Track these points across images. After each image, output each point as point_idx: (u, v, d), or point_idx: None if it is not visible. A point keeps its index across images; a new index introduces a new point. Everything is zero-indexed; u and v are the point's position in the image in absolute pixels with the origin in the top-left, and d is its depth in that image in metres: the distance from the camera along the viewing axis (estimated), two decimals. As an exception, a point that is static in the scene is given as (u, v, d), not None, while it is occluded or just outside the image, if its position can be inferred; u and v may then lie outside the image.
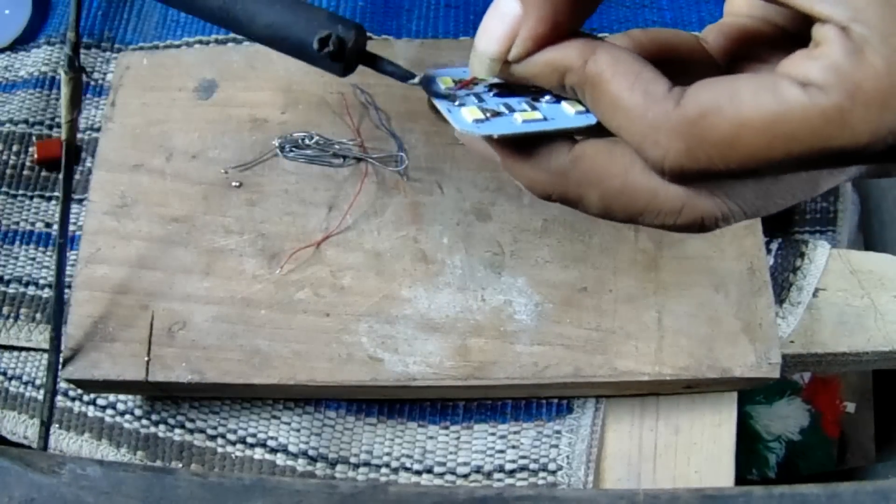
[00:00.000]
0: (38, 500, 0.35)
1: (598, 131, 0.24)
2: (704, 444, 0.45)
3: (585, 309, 0.43)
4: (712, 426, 0.45)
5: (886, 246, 0.63)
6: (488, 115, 0.25)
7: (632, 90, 0.22)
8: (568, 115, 0.25)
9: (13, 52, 0.56)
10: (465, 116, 0.25)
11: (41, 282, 0.49)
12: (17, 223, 0.51)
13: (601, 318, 0.43)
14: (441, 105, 0.26)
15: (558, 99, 0.25)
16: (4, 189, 0.52)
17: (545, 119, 0.24)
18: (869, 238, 0.66)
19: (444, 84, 0.28)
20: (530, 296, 0.43)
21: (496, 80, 0.26)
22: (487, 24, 0.24)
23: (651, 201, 0.24)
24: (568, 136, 0.25)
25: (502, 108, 0.25)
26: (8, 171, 0.52)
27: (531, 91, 0.26)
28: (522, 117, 0.25)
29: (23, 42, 0.57)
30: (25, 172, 0.52)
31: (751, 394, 0.80)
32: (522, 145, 0.25)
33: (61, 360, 0.42)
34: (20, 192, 0.52)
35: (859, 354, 0.46)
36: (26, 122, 0.53)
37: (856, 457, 0.90)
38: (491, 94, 0.26)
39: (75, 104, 0.38)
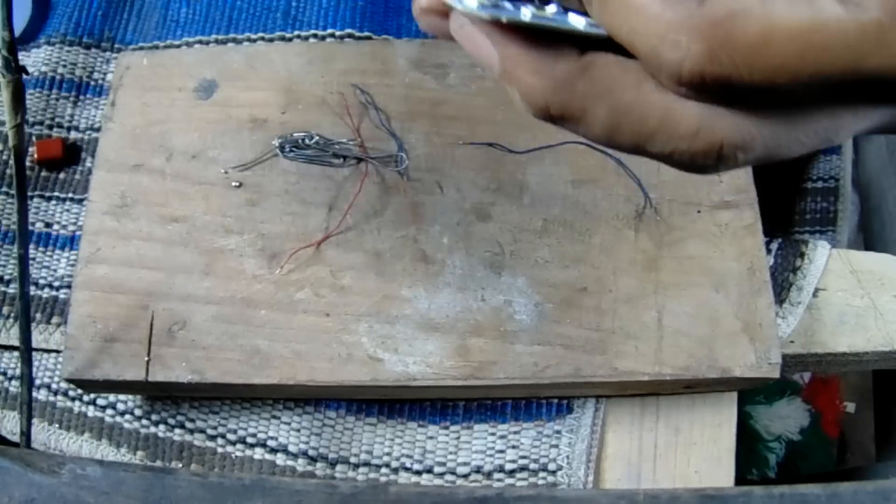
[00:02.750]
0: (38, 500, 0.35)
1: (607, 47, 0.22)
2: (704, 444, 0.45)
3: (585, 309, 0.43)
4: (712, 426, 0.45)
5: (886, 246, 0.63)
6: (492, 3, 0.23)
7: None
8: (576, 24, 0.23)
9: (13, 52, 0.56)
10: (470, 1, 0.23)
11: (41, 282, 0.49)
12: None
13: (601, 318, 0.43)
14: None
15: (565, 10, 0.23)
16: (4, 189, 0.52)
17: (554, 19, 0.22)
18: (869, 238, 0.66)
19: None
20: (530, 296, 0.43)
21: None
22: None
23: (664, 119, 0.21)
24: (577, 43, 0.23)
25: (507, 5, 0.23)
26: (8, 171, 0.52)
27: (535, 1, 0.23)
28: (531, 12, 0.22)
29: (23, 42, 0.57)
30: (25, 173, 0.52)
31: (751, 394, 0.80)
32: (526, 45, 0.23)
33: (61, 359, 0.42)
34: (20, 192, 0.52)
35: (859, 354, 0.46)
36: (26, 122, 0.53)
37: (856, 457, 0.90)
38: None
39: (18, 108, 0.36)
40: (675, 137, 0.21)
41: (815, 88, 0.20)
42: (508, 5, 0.23)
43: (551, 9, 0.23)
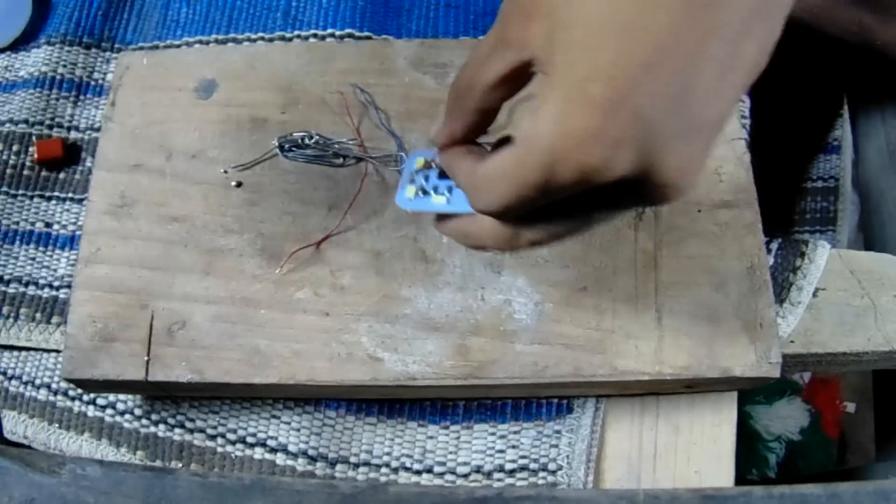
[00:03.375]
0: (38, 500, 0.35)
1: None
2: (704, 444, 0.45)
3: (585, 308, 0.43)
4: (712, 426, 0.45)
5: (886, 246, 0.62)
6: (420, 194, 0.35)
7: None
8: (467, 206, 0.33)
9: (13, 52, 0.56)
10: (408, 193, 0.35)
11: (41, 281, 0.49)
12: (17, 223, 0.51)
13: (601, 317, 0.43)
14: (400, 181, 0.36)
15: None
16: (4, 189, 0.52)
17: (448, 203, 0.34)
18: (869, 238, 0.66)
19: (417, 164, 0.36)
20: (530, 295, 0.43)
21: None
22: (437, 122, 0.32)
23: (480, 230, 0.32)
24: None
25: (432, 189, 0.34)
26: (8, 171, 0.52)
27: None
28: (436, 200, 0.34)
29: (23, 42, 0.57)
30: (25, 172, 0.52)
31: (751, 394, 0.80)
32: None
33: (61, 359, 0.42)
34: (20, 191, 0.52)
35: (859, 354, 0.46)
36: (26, 122, 0.53)
37: (856, 457, 0.90)
38: (436, 173, 0.35)
39: None
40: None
41: (531, 198, 0.27)
42: (432, 191, 0.34)
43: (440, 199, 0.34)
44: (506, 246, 0.32)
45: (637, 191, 0.26)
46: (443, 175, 0.35)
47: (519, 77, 0.27)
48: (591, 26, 0.23)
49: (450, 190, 0.34)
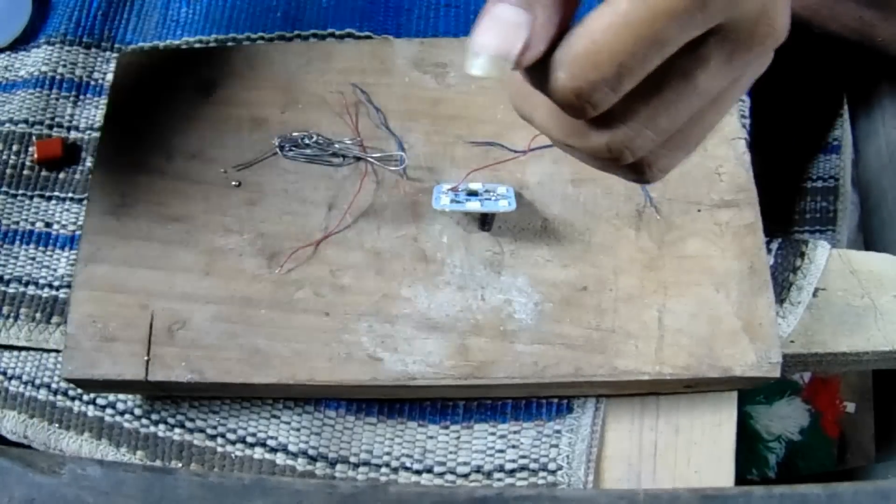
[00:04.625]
0: (38, 500, 0.35)
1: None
2: (704, 444, 0.45)
3: (585, 308, 0.43)
4: (712, 426, 0.45)
5: (886, 246, 0.62)
6: (454, 203, 0.42)
7: None
8: (498, 206, 0.42)
9: (13, 52, 0.56)
10: (442, 201, 0.43)
11: (41, 281, 0.49)
12: (17, 223, 0.51)
13: (601, 317, 0.43)
14: (434, 191, 0.44)
15: (497, 199, 0.43)
16: (4, 189, 0.52)
17: (482, 206, 0.42)
18: (869, 238, 0.66)
19: (443, 189, 0.44)
20: (530, 295, 0.43)
21: (472, 187, 0.44)
22: (493, 26, 0.24)
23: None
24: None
25: (463, 200, 0.43)
26: (8, 171, 0.52)
27: (485, 195, 0.43)
28: (470, 206, 0.42)
29: (23, 42, 0.57)
30: (25, 172, 0.52)
31: (751, 394, 0.80)
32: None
33: (61, 359, 0.42)
34: (20, 191, 0.52)
35: (859, 354, 0.46)
36: (26, 122, 0.53)
37: (856, 457, 0.90)
38: (465, 194, 0.43)
39: None
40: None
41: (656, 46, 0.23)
42: (464, 201, 0.42)
43: (487, 197, 0.43)
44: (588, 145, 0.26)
45: (746, 34, 0.24)
46: (471, 193, 0.43)
47: None
48: None
49: (481, 201, 0.42)
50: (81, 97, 0.55)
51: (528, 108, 0.27)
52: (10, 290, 0.49)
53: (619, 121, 0.25)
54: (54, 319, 0.48)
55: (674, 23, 0.23)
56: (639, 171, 0.27)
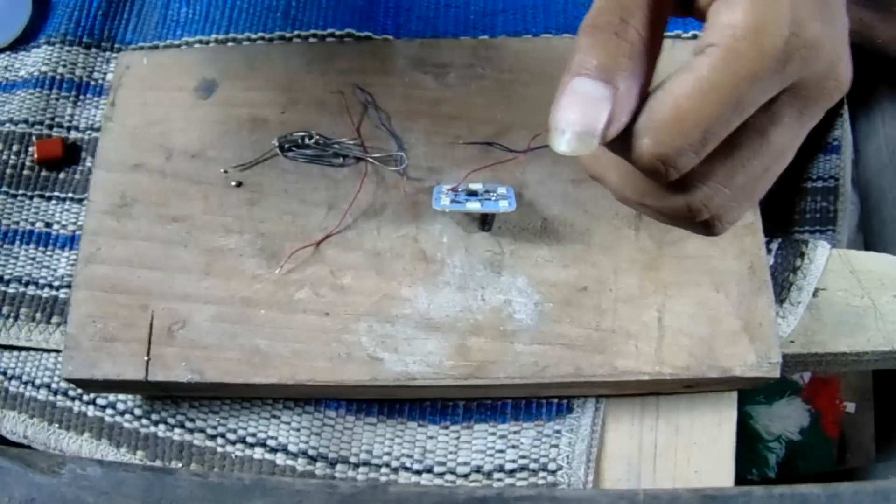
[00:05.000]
0: (38, 500, 0.35)
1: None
2: (704, 444, 0.45)
3: (585, 308, 0.43)
4: (712, 426, 0.45)
5: (886, 246, 0.62)
6: (453, 203, 0.42)
7: None
8: (499, 206, 0.42)
9: (13, 52, 0.56)
10: (443, 201, 0.42)
11: (41, 281, 0.49)
12: (17, 223, 0.51)
13: (601, 317, 0.43)
14: (434, 192, 0.43)
15: (497, 199, 0.42)
16: (4, 189, 0.52)
17: (482, 206, 0.42)
18: (869, 238, 0.66)
19: (443, 189, 0.43)
20: (530, 295, 0.43)
21: (472, 187, 0.44)
22: (571, 106, 0.24)
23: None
24: None
25: (464, 201, 0.42)
26: (8, 171, 0.52)
27: (485, 195, 0.43)
28: (470, 206, 0.42)
29: (23, 42, 0.57)
30: (25, 172, 0.52)
31: (751, 394, 0.80)
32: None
33: (61, 359, 0.42)
34: (20, 191, 0.52)
35: (859, 354, 0.46)
36: (26, 122, 0.53)
37: (856, 457, 0.90)
38: (465, 194, 0.43)
39: None
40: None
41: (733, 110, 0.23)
42: (463, 201, 0.42)
43: (487, 197, 0.43)
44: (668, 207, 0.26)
45: (815, 89, 0.24)
46: (471, 193, 0.43)
47: None
48: None
49: (481, 201, 0.42)
50: (81, 97, 0.55)
51: (600, 168, 0.27)
52: (10, 291, 0.49)
53: (699, 181, 0.25)
54: (54, 319, 0.48)
55: (755, 86, 0.23)
56: (709, 226, 0.27)
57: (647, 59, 0.24)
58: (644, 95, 0.24)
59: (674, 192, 0.26)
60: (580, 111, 0.23)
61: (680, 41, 0.50)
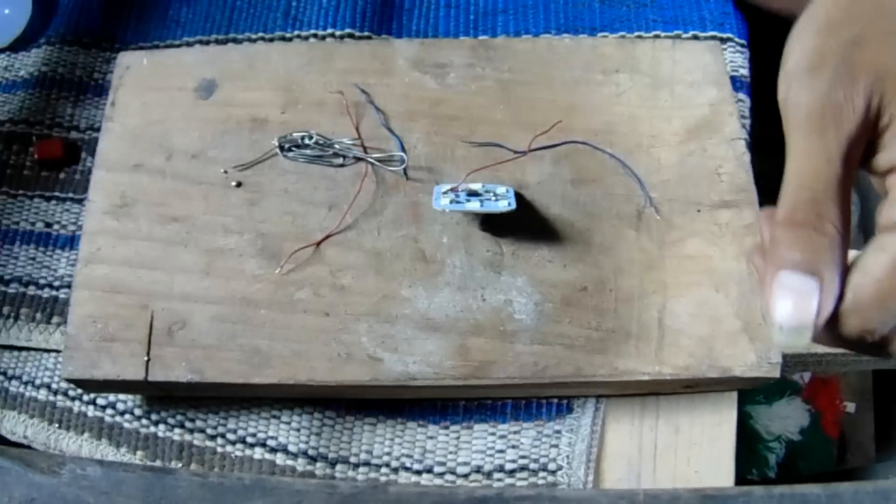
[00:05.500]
0: (38, 500, 0.35)
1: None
2: (704, 444, 0.45)
3: (585, 308, 0.43)
4: (712, 426, 0.45)
5: (886, 246, 0.62)
6: (453, 203, 0.42)
7: None
8: (499, 206, 0.41)
9: (13, 52, 0.56)
10: (442, 202, 0.42)
11: (41, 281, 0.49)
12: (17, 223, 0.51)
13: (601, 317, 0.43)
14: (434, 192, 0.43)
15: (497, 199, 0.42)
16: (4, 189, 0.52)
17: (482, 206, 0.42)
18: (869, 238, 0.66)
19: (442, 189, 0.43)
20: (530, 295, 0.43)
21: (472, 187, 0.43)
22: (785, 304, 0.26)
23: None
24: None
25: (464, 201, 0.42)
26: (8, 171, 0.52)
27: (485, 195, 0.43)
28: (470, 206, 0.42)
29: (23, 42, 0.57)
30: (25, 172, 0.52)
31: (751, 394, 0.80)
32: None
33: (61, 359, 0.42)
34: (20, 191, 0.52)
35: (859, 354, 0.46)
36: (26, 121, 0.53)
37: (856, 457, 0.90)
38: (465, 194, 0.43)
39: None
40: None
41: None
42: (465, 202, 0.42)
43: (488, 197, 0.42)
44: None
45: None
46: (471, 193, 0.42)
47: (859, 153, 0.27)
48: None
49: (481, 201, 0.42)
50: (81, 97, 0.55)
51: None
52: (11, 291, 0.49)
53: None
54: (54, 320, 0.48)
55: None
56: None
57: (844, 248, 0.26)
58: (844, 278, 0.26)
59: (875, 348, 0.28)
60: (792, 307, 0.25)
61: (680, 41, 0.50)
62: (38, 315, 0.49)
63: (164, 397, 0.47)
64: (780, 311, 0.25)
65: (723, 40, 0.54)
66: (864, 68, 0.26)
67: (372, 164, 0.46)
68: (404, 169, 0.46)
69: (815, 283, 0.25)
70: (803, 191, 0.26)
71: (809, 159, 0.26)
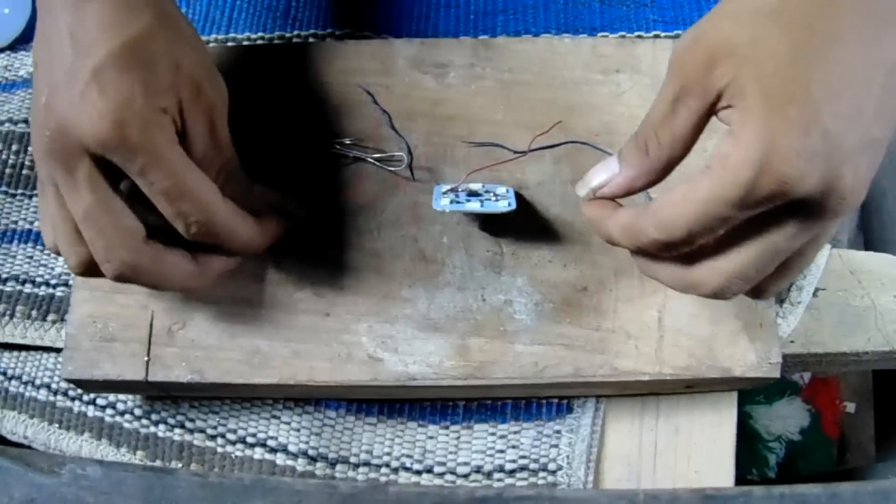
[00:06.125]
0: (38, 500, 0.35)
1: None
2: (704, 444, 0.45)
3: (585, 309, 0.43)
4: (712, 426, 0.45)
5: (886, 246, 0.62)
6: (454, 203, 0.41)
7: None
8: (499, 206, 0.41)
9: (13, 52, 0.56)
10: (442, 202, 0.41)
11: (38, 280, 0.49)
12: (16, 222, 0.51)
13: (601, 317, 0.43)
14: (435, 192, 0.43)
15: (497, 199, 0.42)
16: (3, 188, 0.52)
17: (482, 206, 0.41)
18: (869, 238, 0.66)
19: (442, 189, 0.43)
20: (530, 295, 0.43)
21: (472, 187, 0.43)
22: (597, 169, 0.36)
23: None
24: None
25: (464, 201, 0.42)
26: (7, 171, 0.52)
27: (485, 195, 0.43)
28: (470, 206, 0.41)
29: (23, 42, 0.57)
30: (25, 172, 0.52)
31: (751, 394, 0.80)
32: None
33: (60, 359, 0.42)
34: (19, 191, 0.52)
35: (859, 354, 0.46)
36: (26, 121, 0.53)
37: (856, 457, 0.90)
38: (465, 194, 0.42)
39: None
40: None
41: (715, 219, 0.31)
42: (465, 202, 0.42)
43: (488, 197, 0.42)
44: (679, 282, 0.35)
45: (816, 206, 0.29)
46: (471, 193, 0.42)
47: (704, 121, 0.32)
48: (781, 60, 0.28)
49: (481, 201, 0.41)
50: None
51: (652, 272, 0.36)
52: (7, 289, 0.49)
53: (718, 277, 0.33)
54: (50, 317, 0.48)
55: (726, 207, 0.29)
56: (753, 295, 0.36)
57: (659, 168, 0.34)
58: (633, 188, 0.35)
59: (703, 283, 0.34)
60: (595, 170, 0.36)
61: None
62: (34, 312, 0.49)
63: (164, 397, 0.47)
64: (589, 173, 0.36)
65: (723, 40, 0.54)
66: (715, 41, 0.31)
67: (372, 163, 0.46)
68: (404, 169, 0.46)
69: (617, 165, 0.35)
70: (642, 127, 0.34)
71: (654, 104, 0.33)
